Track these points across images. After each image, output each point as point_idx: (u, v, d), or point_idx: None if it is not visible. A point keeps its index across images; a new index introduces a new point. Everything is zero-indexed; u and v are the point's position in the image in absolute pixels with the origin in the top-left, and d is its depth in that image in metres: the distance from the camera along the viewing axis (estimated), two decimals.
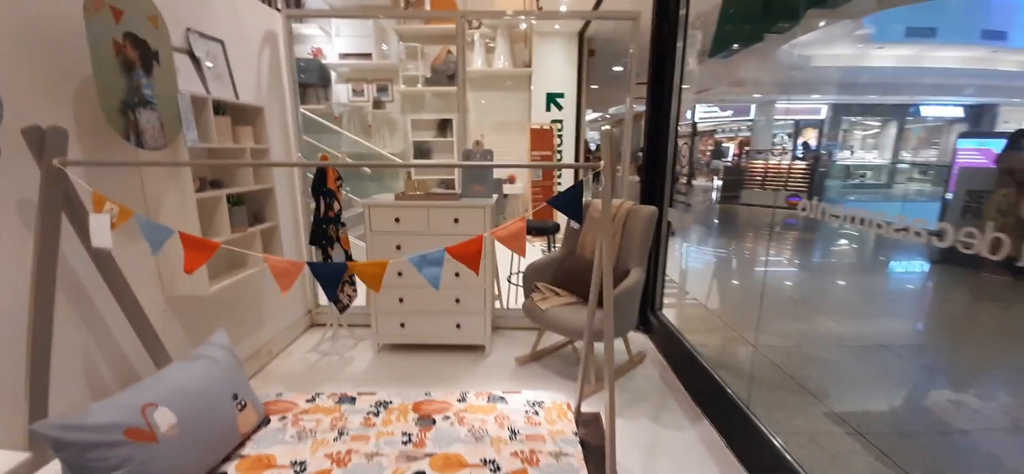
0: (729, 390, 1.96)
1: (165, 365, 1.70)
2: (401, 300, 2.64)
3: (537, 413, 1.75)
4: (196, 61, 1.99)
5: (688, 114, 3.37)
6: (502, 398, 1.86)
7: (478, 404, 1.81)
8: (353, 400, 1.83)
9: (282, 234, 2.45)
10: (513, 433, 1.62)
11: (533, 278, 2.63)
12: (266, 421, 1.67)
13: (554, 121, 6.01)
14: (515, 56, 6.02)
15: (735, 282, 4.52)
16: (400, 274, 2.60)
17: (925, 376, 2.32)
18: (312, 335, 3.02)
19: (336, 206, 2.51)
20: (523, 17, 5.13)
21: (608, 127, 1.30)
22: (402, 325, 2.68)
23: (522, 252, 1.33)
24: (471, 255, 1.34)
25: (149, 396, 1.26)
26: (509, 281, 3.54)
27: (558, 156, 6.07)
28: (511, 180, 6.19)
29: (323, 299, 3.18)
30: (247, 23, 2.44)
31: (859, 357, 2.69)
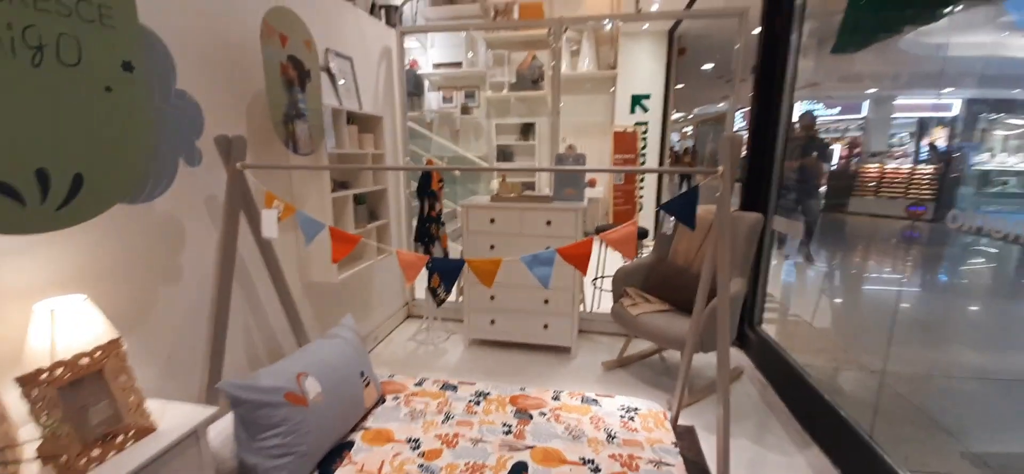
0: (847, 416, 1.80)
1: (303, 341, 1.97)
2: (492, 298, 2.77)
3: (632, 419, 1.76)
4: (331, 77, 2.27)
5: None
6: (595, 401, 1.89)
7: (572, 404, 1.86)
8: (455, 388, 1.97)
9: (392, 230, 2.70)
10: (610, 436, 1.65)
11: (623, 283, 2.61)
12: (382, 399, 1.87)
13: (638, 123, 5.86)
14: (600, 58, 5.97)
15: (844, 300, 4.08)
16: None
17: None
18: (409, 325, 3.27)
19: (438, 207, 2.70)
20: (609, 19, 5.08)
21: (732, 132, 1.27)
22: (492, 322, 2.81)
23: (631, 255, 1.35)
24: (581, 256, 1.39)
25: (301, 366, 1.48)
26: (595, 285, 3.54)
27: (641, 160, 5.91)
28: (591, 184, 6.15)
29: (420, 293, 3.44)
30: (370, 41, 2.72)
31: (1005, 392, 2.31)
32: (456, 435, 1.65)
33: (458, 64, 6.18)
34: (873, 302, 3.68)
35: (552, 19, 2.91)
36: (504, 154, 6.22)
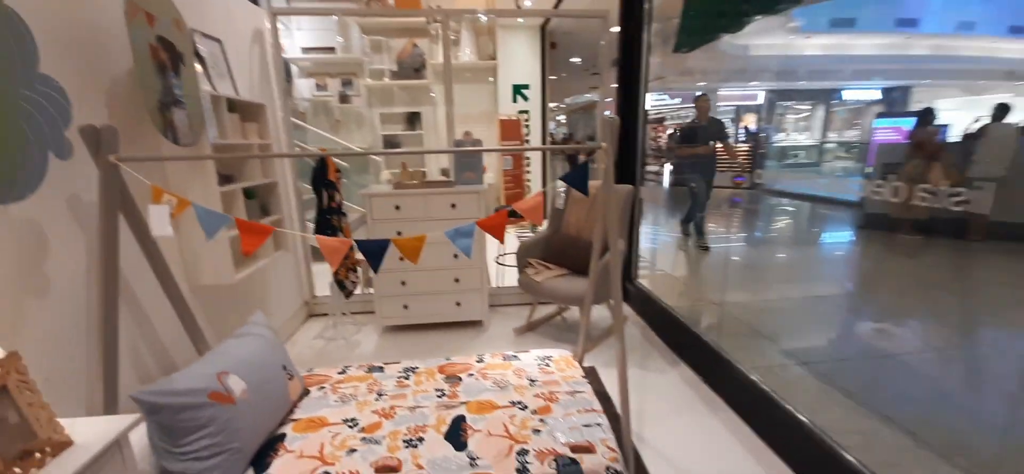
0: (703, 337, 2.33)
1: (204, 348, 1.81)
2: (403, 283, 2.81)
3: (548, 364, 2.03)
4: (201, 61, 2.06)
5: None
6: (515, 356, 2.11)
7: (495, 362, 2.06)
8: (381, 369, 2.02)
9: (287, 225, 2.55)
10: (531, 381, 1.89)
11: (525, 255, 2.89)
12: (306, 392, 1.83)
13: (521, 112, 6.26)
14: (480, 48, 6.19)
15: (692, 254, 5.01)
16: (401, 259, 2.77)
17: (853, 317, 2.83)
18: (313, 324, 3.12)
19: (338, 197, 2.63)
20: (484, 13, 5.30)
21: (609, 114, 1.56)
22: (405, 307, 2.86)
23: (539, 221, 1.58)
24: (498, 226, 1.57)
25: (219, 366, 1.41)
26: (497, 262, 3.78)
27: (527, 143, 6.33)
28: (483, 171, 6.39)
29: (321, 290, 3.27)
30: (239, 22, 2.49)
31: (802, 308, 3.19)
32: (392, 407, 1.73)
33: (331, 49, 5.82)
34: (714, 253, 4.61)
35: (429, 9, 3.01)
36: (391, 144, 6.08)
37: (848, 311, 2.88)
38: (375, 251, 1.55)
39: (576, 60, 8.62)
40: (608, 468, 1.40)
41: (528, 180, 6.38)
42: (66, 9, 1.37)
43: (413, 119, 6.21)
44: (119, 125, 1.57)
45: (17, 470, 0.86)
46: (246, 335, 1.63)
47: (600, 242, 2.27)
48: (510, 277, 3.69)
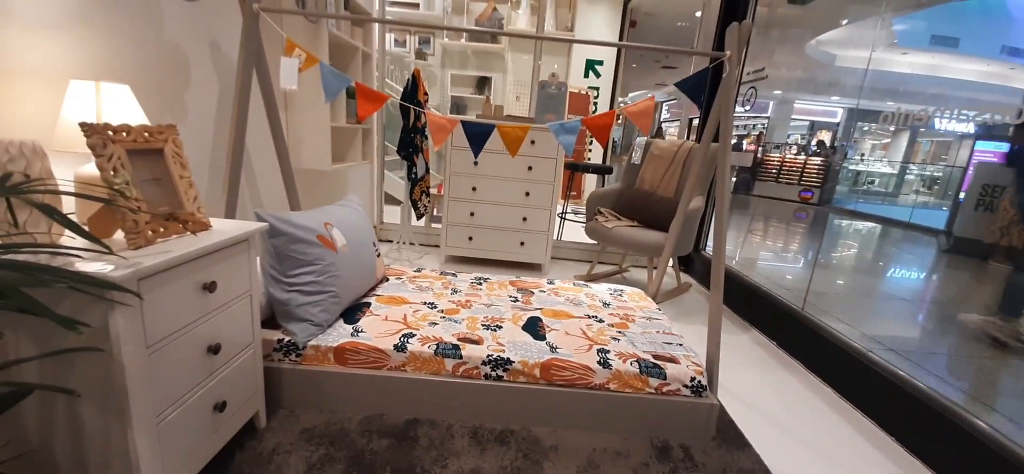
0: (782, 300, 2.21)
1: (294, 207, 1.91)
2: (472, 214, 2.85)
3: (621, 295, 1.99)
4: None
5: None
6: (586, 285, 2.09)
7: (566, 286, 2.04)
8: (454, 274, 2.06)
9: (374, 132, 2.65)
10: (605, 304, 1.86)
11: (596, 204, 2.85)
12: (386, 279, 1.90)
13: (591, 87, 6.18)
14: (558, 19, 6.15)
15: (759, 253, 4.77)
16: (474, 189, 2.81)
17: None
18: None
19: (423, 118, 2.70)
20: None
21: (735, 24, 1.49)
22: (470, 238, 2.90)
23: (647, 129, 1.54)
24: (603, 127, 1.55)
25: (327, 218, 1.48)
26: (562, 217, 3.76)
27: None
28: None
29: (388, 217, 3.39)
30: None
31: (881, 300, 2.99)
32: (469, 300, 1.76)
33: (415, 5, 5.98)
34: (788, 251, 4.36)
35: None
36: (458, 106, 6.19)
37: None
38: (479, 134, 1.57)
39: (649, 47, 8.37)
40: (693, 378, 1.35)
41: (589, 154, 6.30)
42: None
43: (482, 84, 6.28)
44: None
45: (161, 228, 0.93)
46: (346, 206, 1.70)
47: (689, 196, 2.20)
48: (570, 233, 3.66)
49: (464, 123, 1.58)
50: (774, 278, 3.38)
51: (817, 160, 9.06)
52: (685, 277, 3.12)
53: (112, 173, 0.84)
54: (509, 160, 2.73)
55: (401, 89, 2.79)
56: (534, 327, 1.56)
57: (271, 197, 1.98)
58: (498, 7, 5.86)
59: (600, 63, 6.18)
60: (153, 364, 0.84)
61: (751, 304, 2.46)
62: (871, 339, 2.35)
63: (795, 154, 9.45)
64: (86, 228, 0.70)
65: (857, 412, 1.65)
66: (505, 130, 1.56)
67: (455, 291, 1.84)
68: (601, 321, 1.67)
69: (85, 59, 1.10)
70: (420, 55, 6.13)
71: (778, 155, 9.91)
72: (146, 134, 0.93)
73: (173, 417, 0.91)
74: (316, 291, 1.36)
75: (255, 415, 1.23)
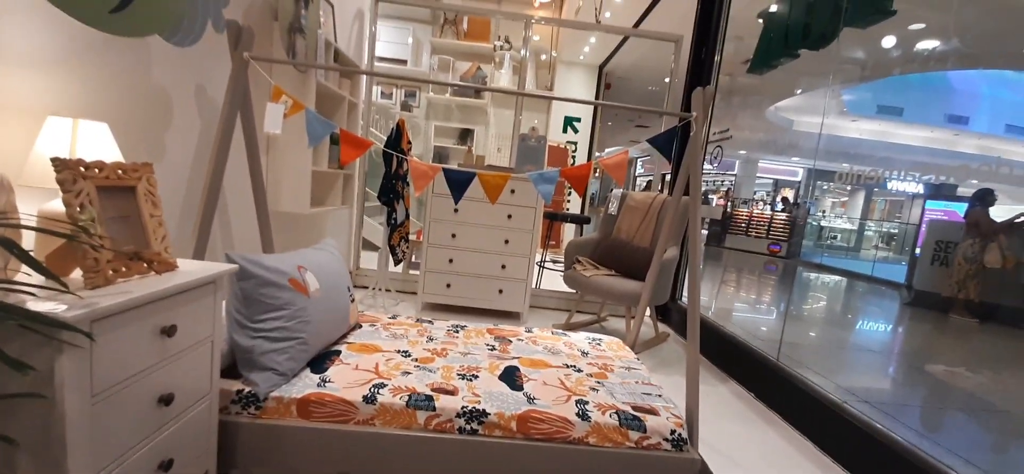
0: (759, 351, 2.23)
1: (268, 249, 1.87)
2: (451, 260, 2.84)
3: (599, 344, 1.98)
4: (330, 4, 2.25)
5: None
6: (565, 333, 2.08)
7: (544, 335, 2.02)
8: (431, 321, 2.02)
9: (355, 181, 2.66)
10: (583, 353, 1.84)
11: (574, 253, 2.89)
12: (358, 326, 1.85)
13: (569, 142, 6.43)
14: (539, 80, 6.48)
15: (734, 304, 4.86)
16: (454, 236, 2.82)
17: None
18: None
19: (405, 165, 2.74)
20: (546, 53, 5.60)
21: (700, 89, 1.60)
22: (448, 286, 2.87)
23: (621, 181, 1.60)
24: (581, 177, 1.60)
25: (300, 261, 1.45)
26: (541, 265, 3.78)
27: None
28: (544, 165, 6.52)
29: (365, 262, 3.34)
30: None
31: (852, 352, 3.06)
32: (445, 348, 1.71)
33: (403, 62, 6.23)
34: (762, 305, 4.47)
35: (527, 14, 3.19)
36: (440, 155, 6.33)
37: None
38: (460, 182, 1.60)
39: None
40: (673, 431, 1.33)
41: (568, 204, 6.45)
42: None
43: (465, 135, 6.46)
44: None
45: (123, 268, 0.89)
46: (321, 250, 1.68)
47: (662, 248, 2.26)
48: (549, 281, 3.67)
49: (446, 170, 1.61)
50: (748, 328, 3.44)
51: (783, 216, 9.52)
52: (662, 327, 3.14)
53: (78, 209, 0.81)
54: (489, 208, 2.76)
55: (385, 137, 2.85)
56: (512, 377, 1.52)
57: (245, 239, 1.93)
58: (482, 67, 6.16)
59: (578, 120, 6.48)
60: (97, 414, 0.78)
61: (727, 355, 2.48)
62: (846, 391, 2.39)
63: (761, 210, 9.93)
64: (43, 264, 0.66)
65: (837, 466, 1.64)
66: (486, 178, 1.60)
67: (431, 338, 1.80)
68: (579, 371, 1.64)
69: (66, 97, 1.09)
70: (405, 107, 6.31)
71: (747, 210, 10.39)
72: (119, 171, 0.91)
73: (118, 470, 0.83)
74: (283, 337, 1.30)
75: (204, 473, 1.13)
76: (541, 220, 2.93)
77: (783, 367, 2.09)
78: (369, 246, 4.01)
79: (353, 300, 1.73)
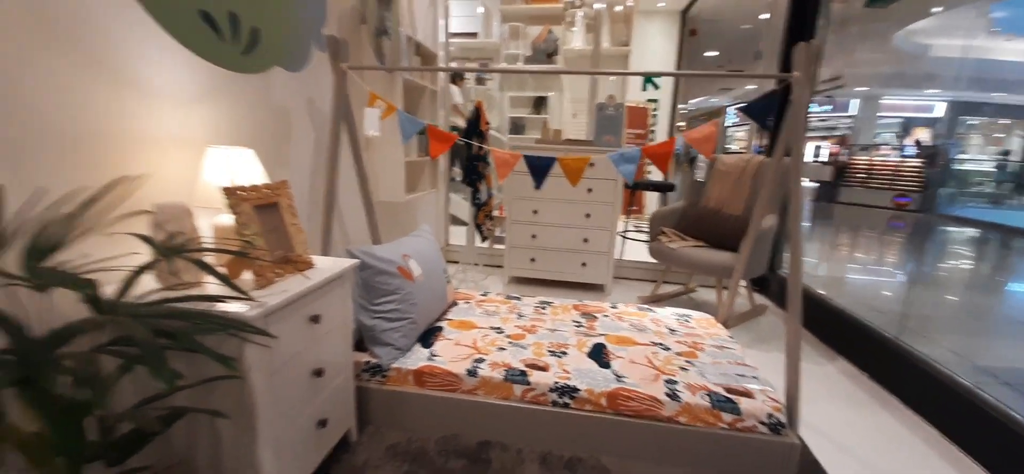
0: (876, 329, 2.03)
1: (375, 239, 2.10)
2: (534, 236, 2.93)
3: (687, 321, 1.95)
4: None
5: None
6: (650, 309, 2.07)
7: (630, 310, 2.04)
8: (519, 298, 2.13)
9: (440, 163, 2.83)
10: (671, 330, 1.83)
11: (659, 224, 2.80)
12: (455, 303, 2.02)
13: (650, 100, 6.07)
14: (614, 36, 6.15)
15: (847, 270, 4.38)
16: (535, 212, 2.89)
17: None
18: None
19: (485, 147, 2.84)
20: (621, 4, 5.24)
21: (802, 44, 1.44)
22: (532, 260, 2.97)
23: (710, 154, 1.52)
24: (663, 155, 1.56)
25: (404, 250, 1.62)
26: (622, 236, 3.73)
27: (651, 136, 6.12)
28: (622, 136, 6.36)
29: (454, 238, 3.57)
30: None
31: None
32: (533, 325, 1.82)
33: (474, 35, 6.29)
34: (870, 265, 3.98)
35: None
36: (516, 126, 6.37)
37: None
38: (541, 167, 1.65)
39: (712, 54, 8.05)
40: (770, 415, 1.30)
41: (648, 172, 6.16)
42: None
43: (539, 103, 6.41)
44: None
45: (278, 270, 1.09)
46: (420, 236, 1.85)
47: (759, 216, 2.11)
48: (632, 251, 3.61)
49: (527, 157, 1.66)
50: (866, 299, 3.09)
51: (915, 161, 8.09)
52: (760, 298, 2.96)
53: (244, 227, 1.02)
54: (568, 183, 2.77)
55: (464, 117, 2.97)
56: (599, 354, 1.59)
57: (355, 230, 2.19)
58: (553, 29, 5.99)
59: (659, 75, 6.06)
60: (274, 387, 0.99)
61: (838, 330, 2.28)
62: (984, 371, 2.09)
63: (885, 156, 8.52)
64: (227, 274, 0.85)
65: (966, 457, 1.48)
66: (566, 162, 1.62)
67: (520, 315, 1.92)
68: (667, 349, 1.65)
69: (214, 127, 1.32)
70: (479, 81, 6.41)
71: (866, 158, 8.96)
72: (266, 190, 1.11)
73: (287, 433, 1.05)
74: (398, 317, 1.50)
75: (348, 431, 1.38)
76: (622, 191, 2.88)
77: (905, 345, 1.88)
78: (456, 221, 4.26)
79: (449, 281, 1.90)
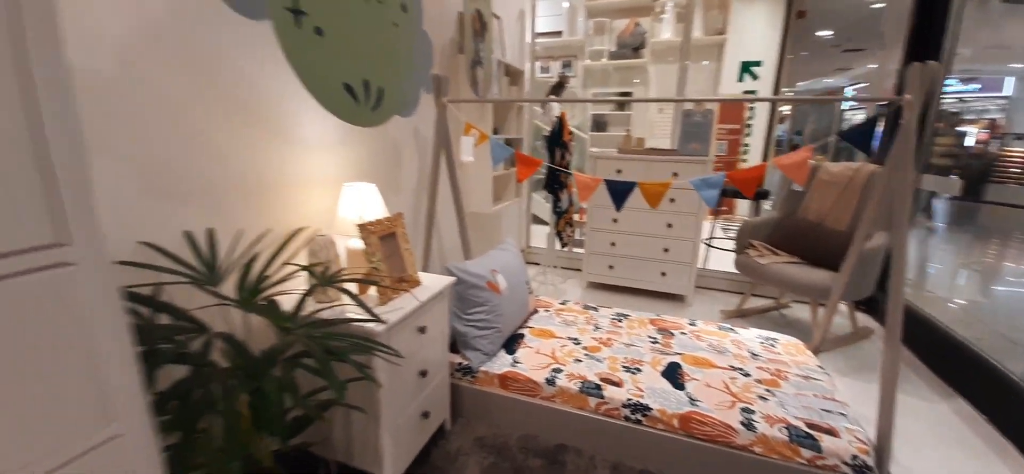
0: (1004, 369, 1.79)
1: (468, 253, 2.33)
2: (613, 244, 2.98)
3: (773, 345, 1.90)
4: (499, 30, 2.56)
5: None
6: (732, 329, 2.05)
7: (709, 329, 2.04)
8: (595, 309, 2.23)
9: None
10: (753, 354, 1.81)
11: (747, 236, 2.69)
12: (534, 311, 2.18)
13: (747, 91, 5.65)
14: (708, 23, 5.79)
15: (990, 285, 3.75)
16: (615, 220, 2.94)
17: None
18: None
19: (567, 157, 2.94)
20: None
21: (917, 65, 1.34)
22: (610, 267, 3.03)
23: (802, 181, 1.48)
24: (751, 180, 1.55)
25: (492, 265, 1.81)
26: (707, 244, 3.62)
27: (747, 131, 5.71)
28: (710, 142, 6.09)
29: (535, 241, 3.74)
30: (511, 2, 2.99)
31: None
32: (609, 338, 1.91)
33: (558, 33, 6.33)
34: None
35: None
36: (599, 123, 6.32)
37: None
38: (620, 192, 1.72)
39: (825, 34, 7.18)
40: (855, 456, 1.27)
41: (745, 157, 5.77)
42: None
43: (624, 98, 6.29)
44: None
45: (396, 289, 1.33)
46: (505, 250, 2.03)
47: (864, 231, 1.96)
48: (717, 261, 3.48)
49: (607, 182, 1.74)
50: (1005, 328, 2.68)
51: None
52: (865, 320, 2.71)
53: (371, 255, 1.26)
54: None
55: (548, 120, 3.09)
56: (674, 374, 1.64)
57: (449, 243, 2.44)
58: (639, 22, 5.82)
59: (757, 64, 5.60)
60: (392, 385, 1.23)
61: (957, 363, 2.04)
62: None
63: None
64: (364, 302, 1.09)
65: None
66: (646, 187, 1.68)
67: (597, 327, 2.02)
68: (747, 375, 1.65)
69: (344, 165, 1.60)
70: (562, 78, 6.46)
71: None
72: (387, 223, 1.35)
73: (400, 422, 1.30)
74: (485, 326, 1.70)
75: (444, 421, 1.61)
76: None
77: None
78: (537, 221, 4.43)
79: (531, 292, 2.07)
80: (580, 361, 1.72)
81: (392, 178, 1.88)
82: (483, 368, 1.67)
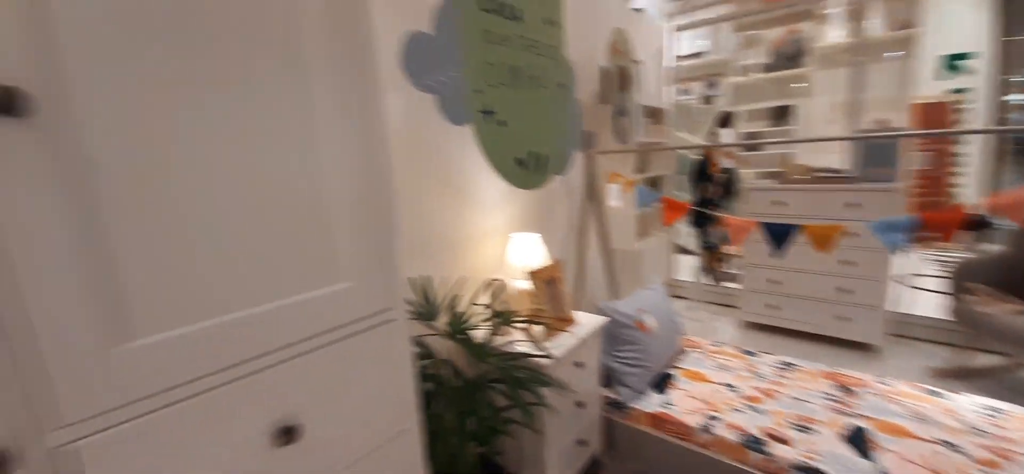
0: None
1: (614, 291, 2.43)
2: (774, 282, 2.74)
3: (996, 416, 1.55)
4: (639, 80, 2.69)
5: None
6: (939, 393, 1.72)
7: (908, 390, 1.75)
8: (754, 354, 2.10)
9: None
10: (970, 427, 1.50)
11: (964, 277, 2.21)
12: (684, 351, 2.15)
13: (956, 90, 4.56)
14: (891, 18, 4.90)
15: None
16: (771, 254, 2.70)
17: None
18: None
19: (714, 190, 2.84)
20: None
21: None
22: (773, 306, 2.77)
23: (1023, 223, 1.23)
24: (949, 224, 1.34)
25: (640, 304, 1.89)
26: (907, 284, 3.04)
27: (958, 144, 4.58)
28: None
29: (682, 274, 3.64)
30: (650, 41, 3.07)
31: None
32: (772, 389, 1.79)
33: (698, 55, 6.07)
34: None
35: None
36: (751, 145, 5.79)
37: None
38: (780, 234, 1.65)
39: None
40: None
41: (959, 182, 4.61)
42: (583, 52, 2.16)
43: (780, 114, 5.68)
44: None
45: (557, 327, 1.52)
46: (653, 290, 2.09)
47: None
48: (923, 303, 2.87)
49: (765, 224, 1.68)
50: None
51: None
52: None
53: (537, 297, 1.49)
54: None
55: (690, 135, 3.03)
56: (859, 440, 1.47)
57: (596, 281, 2.58)
58: (797, 27, 5.22)
59: (966, 56, 4.49)
60: (556, 413, 1.41)
61: None
62: None
63: None
64: (538, 342, 1.31)
65: None
66: (812, 231, 1.58)
67: (758, 375, 1.91)
68: (961, 451, 1.38)
69: (512, 218, 1.89)
70: (707, 100, 6.12)
71: None
72: (549, 269, 1.57)
73: (561, 445, 1.47)
74: (635, 364, 1.78)
75: (598, 452, 1.73)
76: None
77: None
78: (682, 250, 4.26)
79: (679, 332, 2.07)
80: (739, 411, 1.66)
81: (546, 223, 2.13)
82: (634, 404, 1.74)
